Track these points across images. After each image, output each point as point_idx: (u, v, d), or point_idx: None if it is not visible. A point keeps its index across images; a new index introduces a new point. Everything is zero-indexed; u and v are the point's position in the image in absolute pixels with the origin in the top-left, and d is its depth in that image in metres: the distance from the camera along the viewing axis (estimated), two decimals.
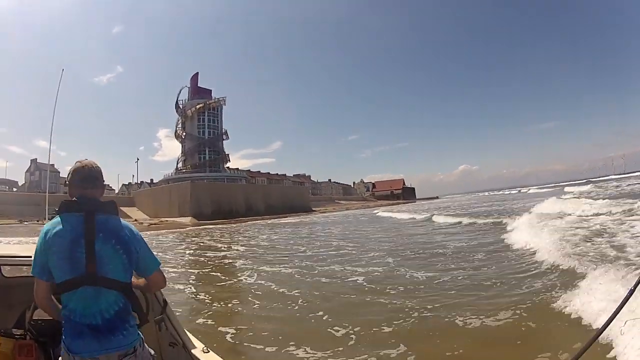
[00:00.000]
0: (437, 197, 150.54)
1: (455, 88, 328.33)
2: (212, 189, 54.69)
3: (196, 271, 10.94)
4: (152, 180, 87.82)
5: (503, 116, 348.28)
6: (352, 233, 20.13)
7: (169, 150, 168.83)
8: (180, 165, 73.47)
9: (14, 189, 68.84)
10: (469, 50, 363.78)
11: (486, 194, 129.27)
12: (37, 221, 32.32)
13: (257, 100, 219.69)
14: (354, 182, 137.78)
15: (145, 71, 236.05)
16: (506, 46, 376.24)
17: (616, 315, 1.23)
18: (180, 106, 74.55)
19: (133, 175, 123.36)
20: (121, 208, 54.16)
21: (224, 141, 73.29)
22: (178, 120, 74.76)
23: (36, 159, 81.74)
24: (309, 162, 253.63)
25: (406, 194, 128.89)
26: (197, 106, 70.71)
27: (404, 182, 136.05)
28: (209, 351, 2.21)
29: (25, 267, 2.40)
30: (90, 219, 1.70)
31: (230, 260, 12.63)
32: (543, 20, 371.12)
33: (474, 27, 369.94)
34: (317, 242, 16.40)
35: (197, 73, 77.40)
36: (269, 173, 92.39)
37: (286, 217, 50.48)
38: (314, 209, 68.16)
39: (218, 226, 36.83)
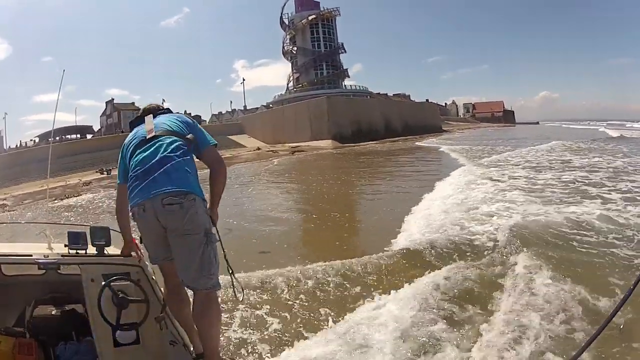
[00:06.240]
0: (537, 123, 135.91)
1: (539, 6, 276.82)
2: (350, 105, 49.77)
3: None
4: (245, 107, 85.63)
5: (589, 42, 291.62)
6: None
7: (246, 81, 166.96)
8: (291, 84, 70.07)
9: (88, 136, 58.83)
10: None
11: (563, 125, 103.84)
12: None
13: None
14: (445, 103, 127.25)
15: (212, 7, 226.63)
16: None
17: (615, 314, 1.18)
18: (286, 21, 68.77)
19: (231, 102, 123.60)
20: (231, 137, 48.85)
21: (340, 55, 67.53)
22: (285, 37, 69.56)
23: (112, 99, 70.95)
24: (392, 84, 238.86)
25: (507, 117, 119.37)
26: (310, 17, 64.37)
27: (503, 105, 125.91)
28: None
29: (25, 265, 2.34)
30: (150, 115, 2.03)
31: None
32: None
33: None
34: None
35: None
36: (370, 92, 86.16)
37: (437, 135, 45.94)
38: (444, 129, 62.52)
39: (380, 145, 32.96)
